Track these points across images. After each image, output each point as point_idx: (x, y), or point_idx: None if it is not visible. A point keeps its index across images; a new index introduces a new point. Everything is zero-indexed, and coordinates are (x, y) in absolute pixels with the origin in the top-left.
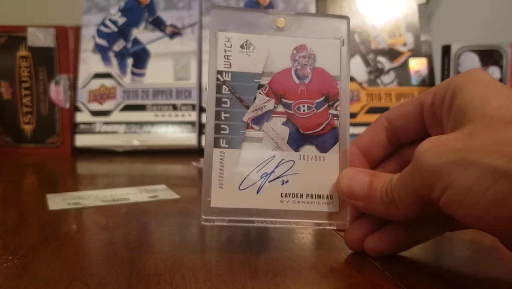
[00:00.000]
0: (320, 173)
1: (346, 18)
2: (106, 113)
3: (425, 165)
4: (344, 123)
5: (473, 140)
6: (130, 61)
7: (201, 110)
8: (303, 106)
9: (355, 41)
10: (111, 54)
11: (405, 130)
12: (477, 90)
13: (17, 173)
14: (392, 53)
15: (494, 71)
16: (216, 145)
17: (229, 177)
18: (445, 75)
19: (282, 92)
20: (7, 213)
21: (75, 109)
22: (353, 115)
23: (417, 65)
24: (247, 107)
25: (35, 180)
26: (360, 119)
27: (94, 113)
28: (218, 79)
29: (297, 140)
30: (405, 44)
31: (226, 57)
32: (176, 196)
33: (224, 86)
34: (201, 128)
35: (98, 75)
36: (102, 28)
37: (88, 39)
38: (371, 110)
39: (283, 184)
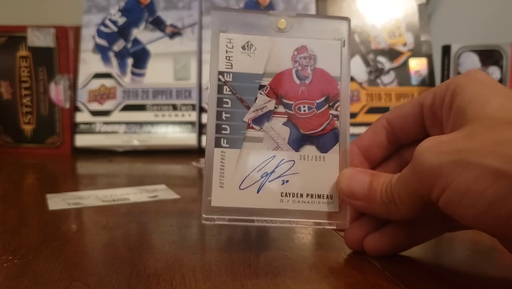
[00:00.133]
0: (320, 172)
1: (346, 19)
2: (106, 113)
3: (424, 164)
4: (345, 123)
5: (472, 141)
6: (130, 61)
7: (201, 110)
8: (304, 106)
9: (355, 41)
10: (111, 54)
11: (405, 131)
12: (477, 91)
13: (17, 173)
14: (392, 53)
15: (494, 71)
16: (217, 144)
17: (229, 177)
18: (445, 75)
19: (283, 92)
20: (7, 213)
21: (75, 109)
22: (353, 115)
23: (417, 65)
24: (248, 107)
25: (35, 180)
26: (360, 119)
27: (94, 113)
28: (219, 79)
29: (298, 140)
30: (405, 44)
31: (227, 58)
32: (176, 196)
33: (225, 87)
34: (201, 128)
35: (98, 75)
36: (102, 28)
37: (88, 39)
38: (371, 110)
39: (283, 183)
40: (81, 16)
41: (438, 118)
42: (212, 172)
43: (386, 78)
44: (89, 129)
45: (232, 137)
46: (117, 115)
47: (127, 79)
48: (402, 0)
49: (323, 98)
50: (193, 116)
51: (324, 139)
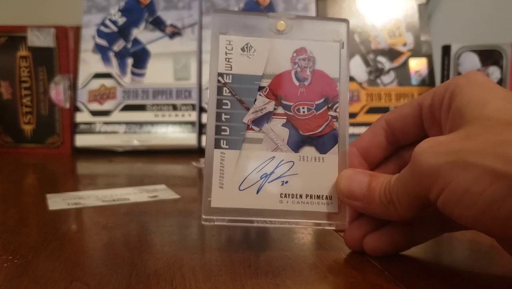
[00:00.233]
0: (319, 173)
1: (345, 21)
2: (106, 113)
3: (423, 165)
4: (344, 124)
5: (471, 142)
6: (130, 61)
7: (201, 110)
8: (303, 108)
9: (355, 41)
10: (111, 54)
11: (404, 132)
12: (476, 92)
13: (17, 173)
14: (392, 53)
15: (494, 71)
16: (217, 145)
17: (229, 177)
18: (445, 75)
19: (282, 94)
20: (7, 213)
21: (75, 109)
22: (353, 115)
23: (417, 65)
24: (248, 109)
25: (35, 180)
26: (360, 120)
27: (94, 113)
28: (219, 81)
29: (297, 141)
30: (405, 44)
31: (227, 59)
32: (176, 196)
33: (225, 88)
34: (201, 129)
35: (98, 75)
36: (102, 28)
37: (88, 39)
38: (371, 110)
39: (282, 184)
40: (81, 16)
41: (437, 120)
42: (211, 173)
43: (386, 78)
44: (89, 129)
45: (232, 138)
46: (117, 115)
47: (127, 79)
48: (402, 0)
49: (322, 100)
50: (193, 116)
51: (323, 141)
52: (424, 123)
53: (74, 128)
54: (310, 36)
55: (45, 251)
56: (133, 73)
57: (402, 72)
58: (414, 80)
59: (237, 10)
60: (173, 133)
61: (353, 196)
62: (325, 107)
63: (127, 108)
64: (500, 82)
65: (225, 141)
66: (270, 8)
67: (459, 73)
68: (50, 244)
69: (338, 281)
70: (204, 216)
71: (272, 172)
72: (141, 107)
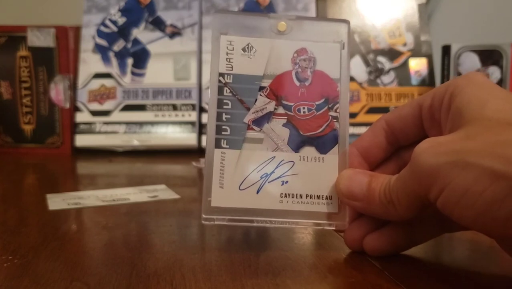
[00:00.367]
0: (319, 173)
1: (346, 22)
2: (106, 113)
3: (422, 165)
4: (344, 125)
5: (470, 142)
6: (130, 61)
7: (201, 110)
8: (303, 108)
9: (355, 41)
10: (111, 54)
11: (404, 132)
12: (476, 92)
13: (17, 173)
14: (392, 53)
15: (494, 71)
16: (217, 145)
17: (229, 177)
18: (445, 75)
19: (283, 94)
20: (7, 213)
21: (75, 109)
22: (353, 115)
23: (417, 65)
24: (248, 109)
25: (35, 180)
26: (360, 120)
27: (94, 113)
28: (220, 81)
29: (297, 141)
30: (405, 44)
31: (227, 60)
32: (176, 196)
33: (225, 88)
34: (201, 128)
35: (98, 75)
36: (102, 28)
37: (88, 39)
38: (371, 110)
39: (283, 184)
40: (81, 16)
41: (436, 120)
42: (212, 173)
43: (386, 78)
44: (89, 129)
45: (232, 138)
46: (117, 115)
47: (127, 79)
48: (402, 0)
49: (322, 100)
50: (193, 116)
51: (324, 141)
52: (424, 123)
53: (74, 128)
54: (310, 36)
55: (45, 251)
56: (133, 73)
57: (402, 72)
58: (414, 80)
59: (237, 11)
60: (173, 133)
61: (353, 196)
62: (326, 107)
63: (127, 108)
64: (500, 82)
65: (225, 141)
66: (270, 8)
67: (459, 73)
68: (50, 244)
69: (338, 281)
70: (204, 216)
71: (272, 172)
72: (141, 107)
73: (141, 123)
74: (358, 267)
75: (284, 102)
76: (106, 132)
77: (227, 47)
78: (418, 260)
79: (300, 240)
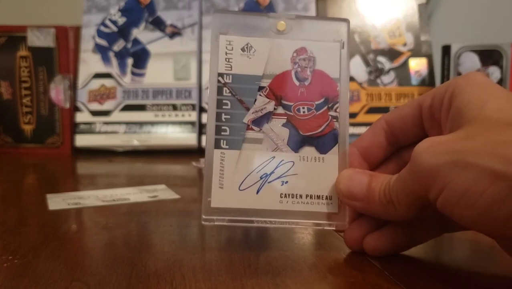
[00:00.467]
0: (319, 173)
1: (346, 21)
2: (106, 113)
3: (422, 165)
4: (344, 125)
5: (470, 142)
6: (130, 61)
7: (201, 110)
8: (303, 108)
9: (355, 41)
10: (111, 54)
11: (404, 132)
12: (476, 92)
13: (17, 173)
14: (392, 53)
15: (494, 71)
16: (217, 146)
17: (229, 178)
18: (445, 75)
19: (282, 94)
20: (7, 213)
21: (75, 109)
22: (353, 115)
23: (417, 65)
24: (248, 109)
25: (35, 180)
26: (360, 119)
27: (94, 113)
28: (219, 81)
29: (297, 141)
30: (405, 44)
31: (227, 59)
32: (176, 196)
33: (225, 88)
34: (201, 128)
35: (98, 75)
36: (102, 28)
37: (88, 39)
38: (371, 110)
39: (282, 184)
40: (81, 16)
41: (437, 120)
42: (211, 173)
43: (386, 78)
44: (89, 129)
45: (232, 138)
46: (117, 115)
47: (127, 79)
48: (402, 0)
49: (322, 100)
50: (193, 116)
51: (324, 141)
52: (424, 123)
53: (74, 128)
54: (310, 36)
55: (45, 251)
56: (133, 73)
57: (402, 72)
58: (414, 80)
59: (237, 10)
60: (173, 133)
61: (353, 196)
62: (325, 107)
63: (127, 108)
64: (500, 82)
65: (225, 142)
66: (270, 8)
67: (459, 73)
68: (50, 244)
69: (338, 281)
70: (204, 216)
71: (272, 172)
72: (141, 107)
73: (141, 123)
74: (358, 267)
75: (284, 102)
76: (106, 132)
77: (226, 47)
78: (418, 260)
79: (300, 240)
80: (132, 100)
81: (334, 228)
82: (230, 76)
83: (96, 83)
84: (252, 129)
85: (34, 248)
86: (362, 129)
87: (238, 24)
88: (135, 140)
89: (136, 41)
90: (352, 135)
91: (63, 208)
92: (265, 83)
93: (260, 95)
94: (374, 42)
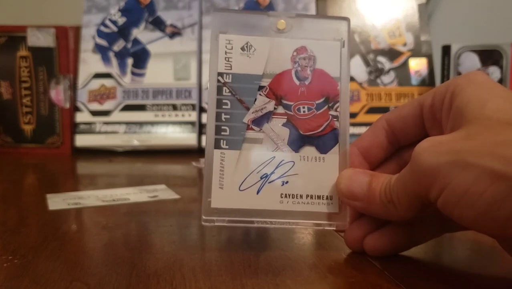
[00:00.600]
0: (320, 173)
1: (346, 19)
2: (106, 113)
3: (422, 165)
4: (344, 124)
5: (471, 142)
6: (130, 61)
7: (201, 110)
8: (303, 107)
9: (355, 41)
10: (111, 54)
11: (405, 132)
12: (476, 92)
13: (17, 173)
14: (392, 53)
15: (494, 71)
16: (217, 146)
17: (229, 178)
18: (445, 75)
19: (282, 93)
20: (7, 213)
21: (75, 109)
22: (353, 115)
23: (417, 65)
24: (248, 108)
25: (35, 180)
26: (360, 119)
27: (94, 113)
28: (218, 81)
29: (297, 141)
30: (405, 44)
31: (226, 59)
32: (176, 196)
33: (224, 88)
34: (201, 128)
35: (98, 75)
36: (102, 28)
37: (88, 39)
38: (371, 110)
39: (283, 184)
40: (81, 16)
41: (437, 119)
42: (211, 173)
43: (386, 78)
44: (89, 129)
45: (232, 138)
46: (117, 115)
47: (127, 79)
48: (402, 0)
49: (322, 99)
50: (193, 116)
51: (324, 140)
52: (425, 123)
53: (74, 128)
54: (310, 35)
55: (45, 251)
56: (133, 73)
57: (402, 72)
58: (414, 80)
59: (237, 9)
60: (173, 133)
61: (353, 196)
62: (326, 106)
63: (127, 108)
64: (500, 82)
65: (225, 142)
66: (270, 8)
67: (459, 73)
68: (50, 244)
69: (338, 281)
70: (204, 217)
71: (273, 172)
72: (141, 107)
73: (141, 123)
74: (358, 267)
75: (284, 101)
76: (106, 132)
77: (225, 46)
78: (418, 260)
79: (300, 240)
80: (132, 100)
81: (334, 228)
82: (230, 75)
83: (96, 83)
84: (252, 129)
85: (34, 248)
86: (362, 129)
87: (238, 23)
88: (135, 140)
89: (136, 41)
90: (352, 135)
91: (63, 208)
92: (265, 82)
93: (260, 94)
94: (374, 42)
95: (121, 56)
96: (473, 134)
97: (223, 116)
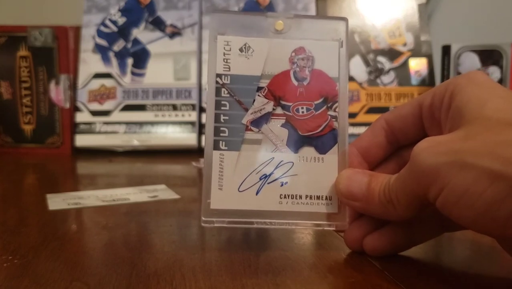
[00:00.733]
0: (319, 174)
1: (344, 19)
2: (106, 113)
3: (421, 165)
4: (343, 124)
5: (470, 142)
6: (130, 61)
7: (201, 110)
8: (302, 108)
9: (355, 41)
10: (111, 54)
11: (404, 132)
12: (476, 92)
13: (17, 173)
14: (392, 53)
15: (494, 71)
16: (216, 147)
17: (228, 179)
18: (445, 75)
19: (281, 94)
20: (7, 213)
21: (75, 109)
22: (353, 115)
23: (417, 65)
24: (246, 109)
25: (35, 180)
26: (360, 119)
27: (94, 113)
28: (217, 82)
29: (296, 142)
30: (405, 44)
31: (225, 60)
32: (176, 196)
33: (223, 89)
34: (201, 129)
35: (98, 75)
36: (102, 28)
37: (88, 39)
38: (371, 110)
39: (282, 185)
40: (81, 16)
41: (437, 119)
42: (211, 175)
43: (386, 78)
44: (89, 129)
45: (231, 139)
46: (117, 115)
47: (127, 79)
48: (402, 0)
49: (321, 100)
50: (193, 116)
51: (323, 141)
52: (424, 123)
53: (74, 128)
54: (308, 35)
55: (45, 251)
56: (133, 73)
57: (402, 72)
58: (414, 80)
59: (236, 10)
60: (173, 133)
61: (352, 196)
62: (325, 107)
63: (127, 108)
64: (500, 82)
65: (224, 143)
66: (270, 8)
67: (459, 73)
68: (50, 244)
69: (338, 281)
70: (203, 218)
71: (272, 173)
72: (141, 107)
73: (141, 123)
74: (358, 267)
75: (283, 102)
76: (106, 132)
77: (224, 48)
78: (418, 260)
79: (300, 240)
80: (132, 100)
81: (334, 228)
82: (228, 77)
83: (96, 83)
84: (251, 130)
85: (34, 248)
86: (361, 129)
87: (236, 24)
88: (135, 140)
89: (136, 41)
90: (351, 135)
91: (63, 208)
92: (264, 83)
93: (258, 95)
94: (374, 42)
95: (121, 56)
96: (473, 134)
97: (222, 117)
